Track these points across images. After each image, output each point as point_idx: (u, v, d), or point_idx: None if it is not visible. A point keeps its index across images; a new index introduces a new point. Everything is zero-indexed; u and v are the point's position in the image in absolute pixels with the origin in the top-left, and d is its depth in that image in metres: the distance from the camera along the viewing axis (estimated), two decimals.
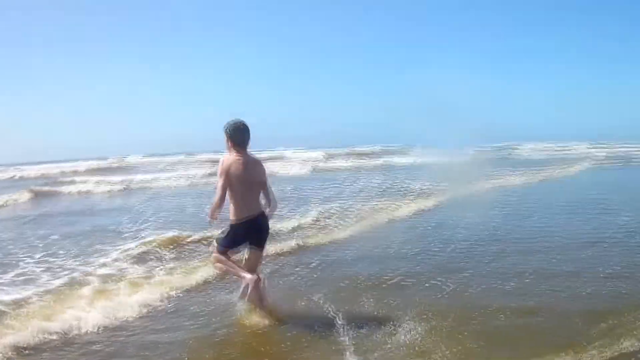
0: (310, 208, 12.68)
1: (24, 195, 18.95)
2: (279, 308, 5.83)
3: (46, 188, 21.25)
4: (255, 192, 5.41)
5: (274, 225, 8.77)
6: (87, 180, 24.41)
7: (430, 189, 16.37)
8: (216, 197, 5.25)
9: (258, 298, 5.45)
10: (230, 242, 5.46)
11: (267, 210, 5.51)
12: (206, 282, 7.19)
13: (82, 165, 37.01)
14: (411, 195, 15.18)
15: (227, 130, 5.29)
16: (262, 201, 5.55)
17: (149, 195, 18.88)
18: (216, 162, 6.19)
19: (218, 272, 6.20)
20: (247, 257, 5.58)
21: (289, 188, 18.09)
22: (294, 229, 10.53)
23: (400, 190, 16.39)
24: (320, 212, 12.05)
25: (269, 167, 26.63)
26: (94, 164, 38.39)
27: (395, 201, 13.88)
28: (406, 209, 12.82)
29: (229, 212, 5.43)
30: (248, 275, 5.39)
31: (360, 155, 44.00)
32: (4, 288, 6.93)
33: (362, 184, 19.08)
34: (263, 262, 6.43)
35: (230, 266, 5.52)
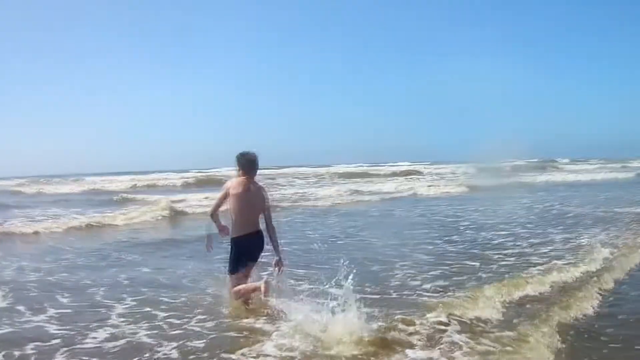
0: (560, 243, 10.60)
1: (161, 212, 16.89)
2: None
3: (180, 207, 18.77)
4: (252, 212, 6.27)
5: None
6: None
7: None
8: (211, 208, 6.48)
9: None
10: (234, 259, 6.26)
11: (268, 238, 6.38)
12: None
13: (186, 177, 36.58)
14: None
15: (239, 159, 6.34)
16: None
17: (313, 214, 17.35)
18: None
19: (240, 299, 6.37)
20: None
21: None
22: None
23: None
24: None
25: (409, 186, 25.24)
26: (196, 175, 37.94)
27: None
28: None
29: (231, 230, 6.29)
30: (259, 283, 6.16)
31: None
32: None
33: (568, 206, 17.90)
34: None
35: (244, 289, 6.26)
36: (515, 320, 5.77)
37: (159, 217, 16.23)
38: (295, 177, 38.75)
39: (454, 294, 6.89)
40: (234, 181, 6.33)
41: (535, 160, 54.34)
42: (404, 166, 49.73)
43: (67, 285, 7.83)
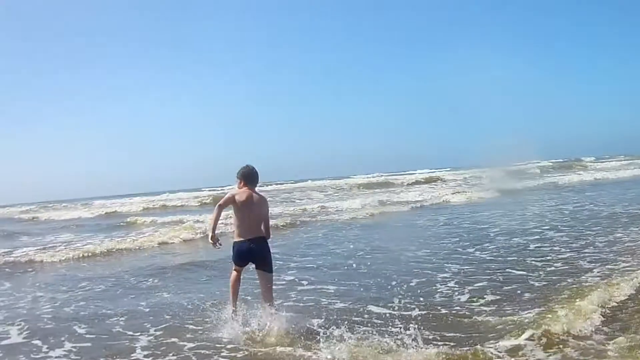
0: None
1: (178, 235, 16.46)
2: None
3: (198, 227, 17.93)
4: (254, 219, 6.68)
5: None
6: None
7: None
8: (213, 214, 6.62)
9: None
10: (235, 258, 6.72)
11: None
12: None
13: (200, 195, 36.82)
14: None
15: (240, 174, 6.85)
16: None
17: (338, 227, 17.04)
18: None
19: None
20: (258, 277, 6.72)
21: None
22: None
23: None
24: None
25: (435, 193, 24.81)
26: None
27: None
28: None
29: (234, 235, 6.69)
30: (231, 309, 6.68)
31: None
32: None
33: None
34: None
35: (232, 292, 6.73)
36: (599, 331, 5.43)
37: (176, 240, 15.91)
38: (313, 190, 38.51)
39: (513, 309, 6.49)
40: (237, 190, 6.78)
41: (560, 160, 54.12)
42: (424, 173, 49.40)
43: (85, 316, 7.60)
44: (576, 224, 13.46)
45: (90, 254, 13.94)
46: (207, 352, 5.71)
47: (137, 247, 14.88)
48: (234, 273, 6.71)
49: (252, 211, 6.64)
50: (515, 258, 9.61)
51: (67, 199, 59.80)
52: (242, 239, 6.60)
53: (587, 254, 9.41)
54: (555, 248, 10.30)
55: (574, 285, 7.29)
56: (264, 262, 6.63)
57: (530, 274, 8.25)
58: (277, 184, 55.66)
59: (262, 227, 6.74)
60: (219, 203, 6.65)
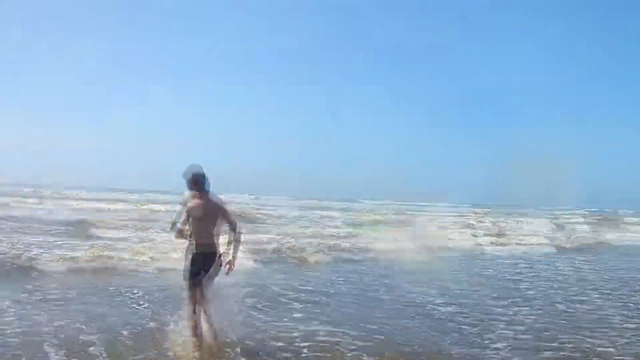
0: None
1: None
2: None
3: None
4: (206, 229, 7.27)
5: None
6: None
7: None
8: (172, 220, 7.57)
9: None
10: (189, 267, 7.24)
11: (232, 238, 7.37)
12: None
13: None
14: None
15: (186, 177, 7.26)
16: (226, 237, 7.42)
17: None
18: None
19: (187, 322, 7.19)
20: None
21: None
22: None
23: None
24: None
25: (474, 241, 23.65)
26: None
27: None
28: None
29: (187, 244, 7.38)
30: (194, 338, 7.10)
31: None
32: None
33: None
34: None
35: (192, 332, 7.06)
36: None
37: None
38: (319, 211, 37.11)
39: None
40: (188, 195, 7.31)
41: (595, 210, 52.72)
42: (448, 208, 47.22)
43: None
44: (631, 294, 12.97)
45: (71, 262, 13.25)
46: None
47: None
48: (189, 307, 7.03)
49: (205, 222, 7.25)
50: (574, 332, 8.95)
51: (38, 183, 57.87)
52: (194, 252, 7.24)
53: None
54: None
55: None
56: (207, 267, 7.16)
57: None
58: (272, 196, 54.57)
59: (230, 230, 7.32)
60: (176, 215, 7.46)
